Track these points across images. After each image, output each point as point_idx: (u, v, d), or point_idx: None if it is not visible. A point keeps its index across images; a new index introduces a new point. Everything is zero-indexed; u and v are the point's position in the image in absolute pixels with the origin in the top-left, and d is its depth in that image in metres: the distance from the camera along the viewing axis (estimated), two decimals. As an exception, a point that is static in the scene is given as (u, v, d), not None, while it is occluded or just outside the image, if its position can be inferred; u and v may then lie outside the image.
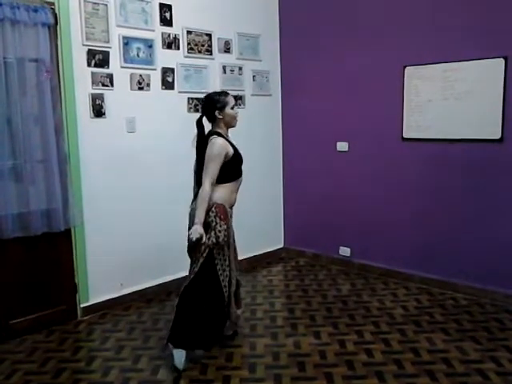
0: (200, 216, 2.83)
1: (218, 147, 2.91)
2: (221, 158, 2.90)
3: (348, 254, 4.75)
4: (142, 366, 2.95)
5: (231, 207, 3.09)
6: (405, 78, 4.14)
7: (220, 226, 2.91)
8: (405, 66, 4.13)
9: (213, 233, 2.90)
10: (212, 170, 2.88)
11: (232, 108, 3.05)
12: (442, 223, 4.08)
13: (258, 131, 4.90)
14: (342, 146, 4.66)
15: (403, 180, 4.28)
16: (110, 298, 3.85)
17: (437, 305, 3.82)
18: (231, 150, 2.98)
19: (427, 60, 4.00)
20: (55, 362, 3.05)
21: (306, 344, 3.20)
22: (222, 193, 2.98)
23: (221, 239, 2.92)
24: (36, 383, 2.80)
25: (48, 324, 3.52)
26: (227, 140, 3.04)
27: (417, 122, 4.12)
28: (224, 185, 2.99)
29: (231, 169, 3.01)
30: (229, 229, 3.01)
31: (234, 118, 3.08)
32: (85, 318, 3.70)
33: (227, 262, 3.03)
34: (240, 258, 4.77)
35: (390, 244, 4.43)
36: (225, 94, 3.09)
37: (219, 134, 3.00)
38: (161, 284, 4.15)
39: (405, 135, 4.20)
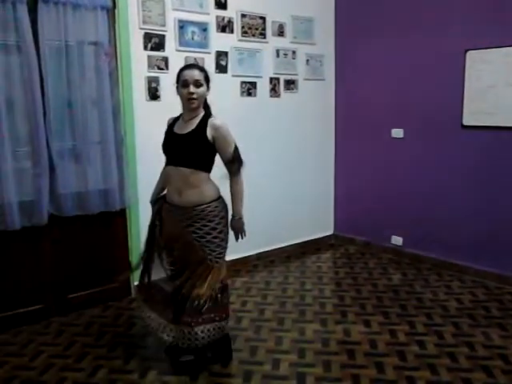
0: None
1: None
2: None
3: (400, 244, 4.64)
4: (192, 345, 3.01)
5: (173, 204, 2.62)
6: (466, 63, 3.96)
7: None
8: (466, 50, 3.94)
9: None
10: None
11: (184, 86, 2.50)
12: (501, 214, 3.90)
13: (310, 116, 4.85)
14: (397, 132, 4.53)
15: (460, 169, 4.11)
16: (161, 277, 3.92)
17: (493, 299, 3.68)
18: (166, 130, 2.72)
19: (491, 44, 3.80)
20: (110, 336, 3.16)
21: (356, 332, 3.17)
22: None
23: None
24: (93, 355, 2.91)
25: (103, 300, 3.65)
26: (174, 121, 2.71)
27: (479, 108, 3.93)
28: None
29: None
30: (155, 227, 2.73)
31: (185, 98, 2.52)
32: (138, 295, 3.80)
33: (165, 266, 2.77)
34: (288, 243, 4.85)
35: (445, 234, 4.29)
36: (184, 67, 2.61)
37: (179, 115, 2.70)
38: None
39: (465, 122, 4.03)
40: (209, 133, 2.53)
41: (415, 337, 3.09)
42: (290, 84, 4.65)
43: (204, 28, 3.98)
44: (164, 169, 2.73)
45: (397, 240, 4.66)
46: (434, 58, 4.18)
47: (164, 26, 3.74)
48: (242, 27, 4.22)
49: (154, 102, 3.75)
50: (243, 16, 4.21)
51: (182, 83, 2.50)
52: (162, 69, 3.77)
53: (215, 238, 2.57)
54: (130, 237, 3.76)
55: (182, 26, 3.84)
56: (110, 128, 3.48)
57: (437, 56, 4.16)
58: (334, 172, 5.17)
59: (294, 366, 2.77)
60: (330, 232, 5.25)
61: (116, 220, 3.66)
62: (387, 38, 4.51)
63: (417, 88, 4.34)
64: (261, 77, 4.41)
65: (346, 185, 5.07)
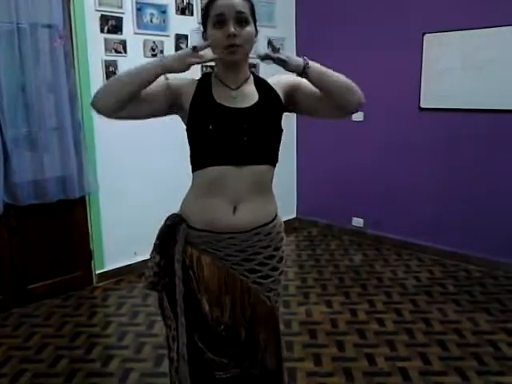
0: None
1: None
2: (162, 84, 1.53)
3: (361, 225, 4.74)
4: (156, 331, 3.01)
5: (215, 231, 1.56)
6: (423, 46, 4.03)
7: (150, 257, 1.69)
8: (424, 33, 4.01)
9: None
10: None
11: (218, 25, 1.44)
12: (457, 195, 4.03)
13: (272, 100, 4.84)
14: (358, 115, 4.57)
15: (419, 151, 4.21)
16: (125, 265, 3.89)
17: (449, 276, 3.82)
18: (186, 90, 1.54)
19: (448, 27, 3.87)
20: (72, 326, 3.12)
21: (318, 312, 3.24)
22: (188, 194, 1.69)
23: (145, 280, 1.69)
24: (53, 346, 2.87)
25: (64, 289, 3.59)
26: (201, 87, 1.55)
27: (436, 91, 4.02)
28: (194, 174, 1.63)
29: (192, 139, 1.62)
30: (169, 270, 1.62)
31: (219, 43, 1.45)
32: (100, 284, 3.76)
33: (173, 333, 1.61)
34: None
35: (404, 215, 4.40)
36: None
37: (204, 76, 1.60)
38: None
39: (422, 105, 4.12)
40: (283, 94, 1.61)
41: (375, 315, 3.18)
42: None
43: (163, 10, 3.90)
44: (197, 171, 1.61)
45: (358, 222, 4.76)
46: (392, 41, 4.24)
47: (121, 7, 3.65)
48: (202, 9, 4.16)
49: (112, 87, 3.67)
50: (202, -2, 4.15)
51: (214, 20, 1.45)
52: (120, 52, 3.68)
53: (281, 274, 1.68)
54: (90, 225, 3.69)
55: (140, 7, 3.75)
56: (66, 113, 3.38)
57: (395, 39, 4.22)
58: (295, 156, 5.20)
59: (257, 347, 2.82)
60: (293, 215, 5.30)
61: (76, 208, 3.59)
62: (346, 21, 4.53)
63: (376, 71, 4.38)
64: (222, 60, 4.37)
65: (308, 168, 5.11)
